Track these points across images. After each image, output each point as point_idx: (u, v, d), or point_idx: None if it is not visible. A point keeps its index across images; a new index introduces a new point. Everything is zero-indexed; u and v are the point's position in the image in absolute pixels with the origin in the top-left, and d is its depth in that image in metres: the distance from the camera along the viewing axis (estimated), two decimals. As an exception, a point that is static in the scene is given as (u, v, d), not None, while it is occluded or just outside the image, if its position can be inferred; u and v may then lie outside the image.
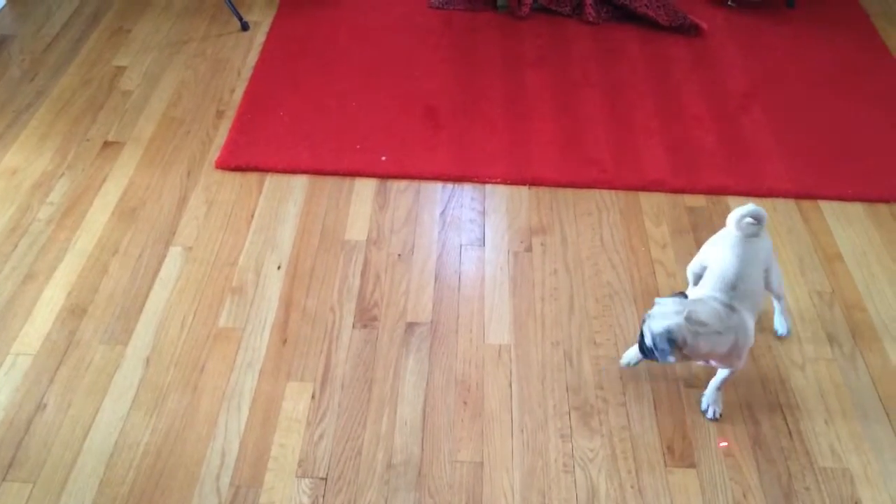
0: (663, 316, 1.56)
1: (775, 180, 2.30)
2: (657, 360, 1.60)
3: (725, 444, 1.70)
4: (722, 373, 1.70)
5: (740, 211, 1.71)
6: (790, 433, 1.71)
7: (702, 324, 1.54)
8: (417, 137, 2.44)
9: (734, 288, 1.64)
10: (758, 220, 1.72)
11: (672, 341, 1.53)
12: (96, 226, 2.14)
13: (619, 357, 1.84)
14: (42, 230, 2.12)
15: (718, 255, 1.72)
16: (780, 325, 1.91)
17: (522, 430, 1.71)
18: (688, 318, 1.54)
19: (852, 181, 2.30)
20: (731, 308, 1.60)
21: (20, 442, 1.67)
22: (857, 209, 2.23)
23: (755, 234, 1.72)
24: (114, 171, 2.30)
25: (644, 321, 1.61)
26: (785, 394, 1.78)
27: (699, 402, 1.75)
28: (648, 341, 1.57)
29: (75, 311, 1.92)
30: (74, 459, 1.64)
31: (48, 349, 1.84)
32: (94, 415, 1.72)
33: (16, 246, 2.08)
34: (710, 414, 1.74)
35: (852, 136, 2.46)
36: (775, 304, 1.91)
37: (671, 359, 1.56)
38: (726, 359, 1.62)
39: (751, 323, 1.63)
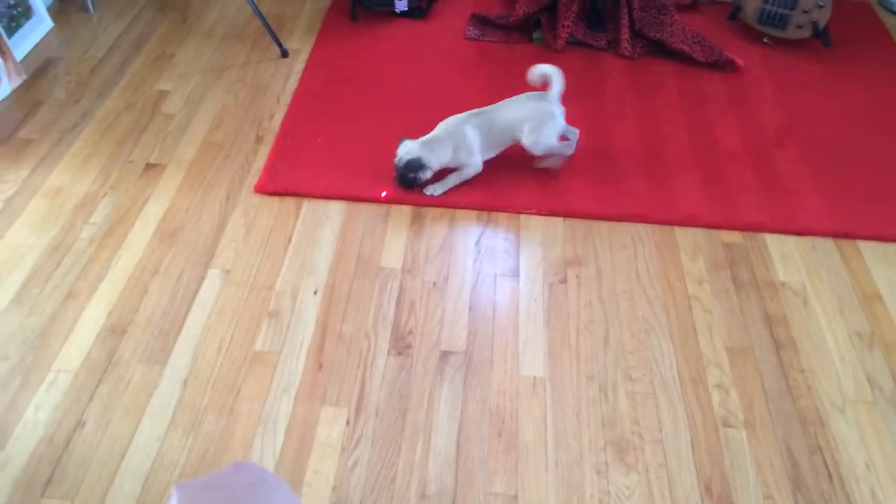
0: (408, 152, 2.27)
1: (813, 218, 2.29)
2: (419, 183, 2.31)
3: (385, 193, 2.32)
4: (458, 175, 2.36)
5: (536, 69, 2.33)
6: (830, 476, 1.69)
7: (429, 142, 2.29)
8: (453, 167, 2.46)
9: (476, 114, 2.33)
10: (549, 77, 2.31)
11: (420, 165, 2.25)
12: (137, 246, 2.17)
13: (655, 393, 1.83)
14: (84, 249, 2.16)
15: None
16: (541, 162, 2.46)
17: (557, 464, 1.70)
18: (421, 143, 2.29)
19: (892, 221, 2.28)
20: (461, 123, 2.31)
21: (59, 459, 1.69)
22: (896, 250, 2.21)
23: (540, 97, 2.33)
24: (155, 192, 2.34)
25: (397, 163, 2.29)
26: (825, 436, 1.76)
27: (736, 442, 1.74)
28: (405, 172, 2.27)
29: (115, 331, 1.95)
30: (112, 478, 1.65)
31: (88, 367, 1.87)
32: (132, 434, 1.73)
33: (59, 264, 2.12)
34: (431, 191, 2.34)
35: (891, 175, 2.44)
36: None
37: (428, 174, 2.29)
38: (455, 161, 2.32)
39: (473, 137, 2.31)
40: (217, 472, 0.98)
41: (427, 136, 2.32)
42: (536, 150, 2.36)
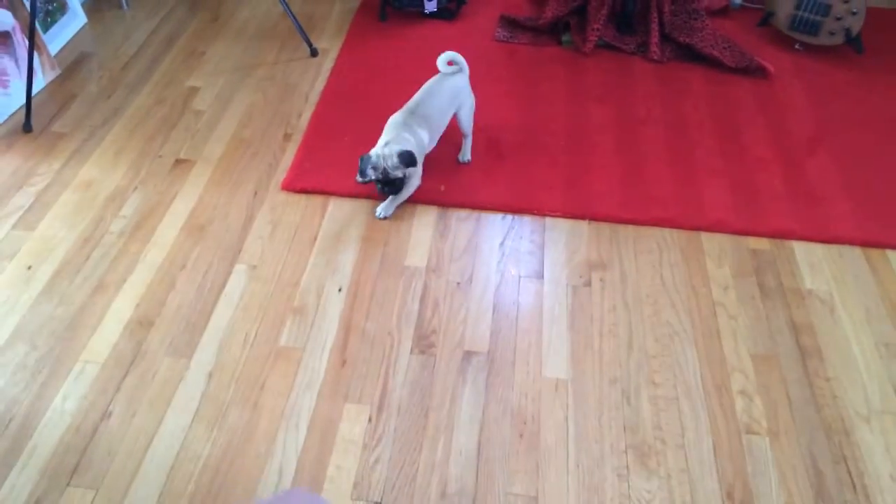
0: (391, 152, 2.19)
1: (842, 227, 2.26)
2: (392, 180, 2.22)
3: (443, 187, 2.35)
4: (405, 190, 2.29)
5: (443, 56, 2.37)
6: (854, 487, 1.67)
7: (397, 140, 2.24)
8: (479, 167, 2.46)
9: (412, 113, 2.30)
10: (457, 63, 2.40)
11: (411, 154, 2.19)
12: (166, 240, 2.20)
13: (678, 398, 1.82)
14: (114, 242, 2.19)
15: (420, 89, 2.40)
16: (462, 155, 2.49)
17: (578, 466, 1.70)
18: (393, 140, 2.23)
19: (922, 231, 2.25)
20: (407, 127, 2.27)
21: (85, 448, 1.71)
22: (926, 260, 2.18)
23: (454, 74, 2.38)
24: (184, 188, 2.37)
25: (372, 170, 2.21)
26: (850, 446, 1.74)
27: (759, 449, 1.72)
28: (395, 173, 2.20)
29: (143, 323, 1.98)
30: (137, 469, 1.68)
31: (115, 358, 1.89)
32: (158, 425, 1.76)
33: (88, 257, 2.15)
34: (381, 214, 2.28)
35: (922, 185, 2.41)
36: (464, 140, 2.49)
37: (401, 173, 2.21)
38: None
39: (424, 136, 2.30)
40: (269, 497, 0.97)
41: (387, 140, 2.25)
42: (468, 128, 2.46)
